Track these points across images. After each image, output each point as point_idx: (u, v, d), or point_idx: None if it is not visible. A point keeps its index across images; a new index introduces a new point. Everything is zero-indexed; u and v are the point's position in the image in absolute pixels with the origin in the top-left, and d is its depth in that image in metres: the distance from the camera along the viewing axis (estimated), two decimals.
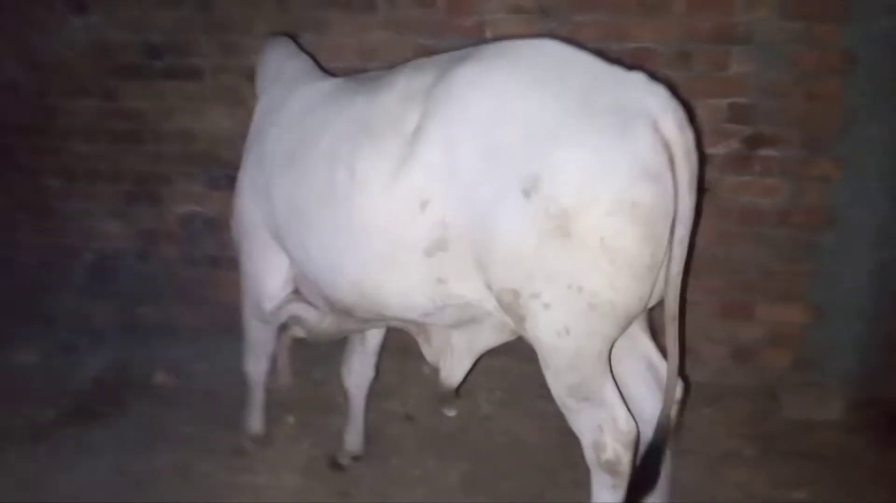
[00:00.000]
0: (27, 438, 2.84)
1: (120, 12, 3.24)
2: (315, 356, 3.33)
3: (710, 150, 2.89)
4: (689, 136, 1.71)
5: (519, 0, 2.92)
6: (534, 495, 2.56)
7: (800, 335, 3.02)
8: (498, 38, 2.57)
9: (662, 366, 2.10)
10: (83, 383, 3.21)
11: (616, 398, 1.90)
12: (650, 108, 1.69)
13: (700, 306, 3.08)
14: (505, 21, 2.95)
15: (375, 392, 3.16)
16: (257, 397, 2.80)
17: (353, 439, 2.78)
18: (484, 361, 3.17)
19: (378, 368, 2.85)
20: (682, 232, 1.73)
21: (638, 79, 1.76)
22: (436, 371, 3.12)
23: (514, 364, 3.03)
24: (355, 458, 2.75)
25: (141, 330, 3.64)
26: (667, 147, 1.67)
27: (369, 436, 2.84)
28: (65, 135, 3.43)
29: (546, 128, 1.71)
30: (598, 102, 1.71)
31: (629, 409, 1.92)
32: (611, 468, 1.91)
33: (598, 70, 1.80)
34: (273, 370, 2.94)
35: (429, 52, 2.71)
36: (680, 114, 1.71)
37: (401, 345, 3.35)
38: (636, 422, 1.92)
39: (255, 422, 2.81)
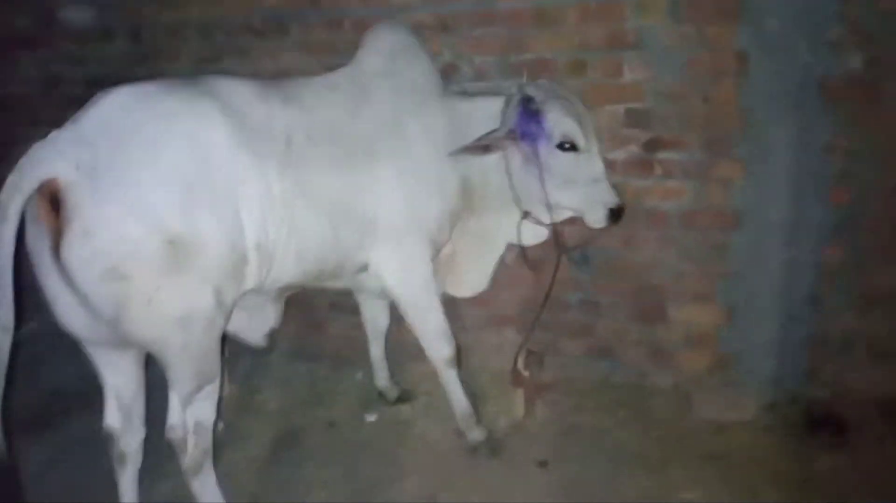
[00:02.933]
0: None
1: (62, 47, 3.46)
2: (257, 365, 3.50)
3: (610, 155, 2.91)
4: None
5: (421, 17, 3.01)
6: (428, 495, 2.64)
7: (714, 336, 3.01)
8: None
9: None
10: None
11: None
12: None
13: (613, 309, 3.11)
14: None
15: (304, 399, 3.33)
16: None
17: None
18: (416, 366, 3.33)
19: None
20: None
21: None
22: (368, 377, 3.29)
23: None
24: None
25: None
26: None
27: (288, 442, 2.98)
28: None
29: None
30: None
31: None
32: None
33: None
34: None
35: None
36: None
37: (335, 352, 3.51)
38: None
39: None
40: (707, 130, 2.83)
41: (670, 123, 2.86)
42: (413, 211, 2.60)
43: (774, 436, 2.83)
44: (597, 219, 2.68)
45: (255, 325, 2.68)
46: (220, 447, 2.95)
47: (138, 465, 2.41)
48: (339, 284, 2.77)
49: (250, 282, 2.26)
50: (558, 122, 2.56)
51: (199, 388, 2.21)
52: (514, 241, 2.83)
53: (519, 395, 3.08)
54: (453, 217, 2.78)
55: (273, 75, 3.20)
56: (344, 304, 3.38)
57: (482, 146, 2.60)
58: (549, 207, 2.66)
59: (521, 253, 2.85)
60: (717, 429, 2.90)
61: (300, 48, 3.18)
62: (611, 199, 2.65)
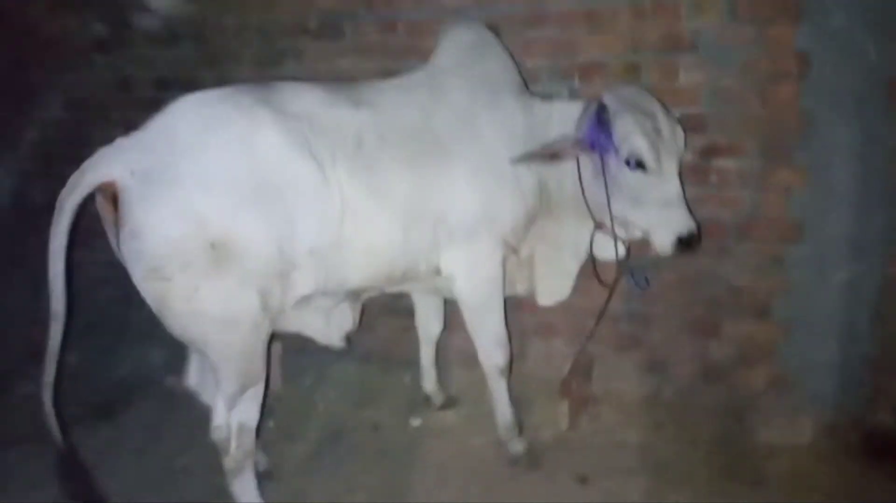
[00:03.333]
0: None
1: (133, 51, 3.61)
2: (309, 363, 3.55)
3: None
4: None
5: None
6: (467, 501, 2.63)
7: (771, 354, 2.87)
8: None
9: None
10: (106, 384, 3.59)
11: None
12: None
13: (665, 322, 3.00)
14: None
15: (352, 400, 3.35)
16: None
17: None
18: (462, 373, 3.32)
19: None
20: None
21: None
22: (415, 380, 3.29)
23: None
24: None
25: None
26: None
27: (333, 442, 3.03)
28: None
29: None
30: None
31: None
32: None
33: None
34: None
35: (393, 73, 2.82)
36: None
37: (384, 354, 3.52)
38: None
39: None
40: (766, 136, 2.70)
41: (727, 128, 2.74)
42: (486, 208, 2.52)
43: (832, 462, 2.68)
44: (663, 245, 2.44)
45: (332, 327, 2.65)
46: (268, 445, 3.03)
47: None
48: (417, 287, 2.78)
49: (306, 286, 2.29)
50: (627, 136, 2.35)
51: (243, 390, 2.27)
52: (587, 251, 2.71)
53: (564, 407, 3.01)
54: (529, 218, 2.66)
55: (329, 78, 3.28)
56: (395, 306, 3.39)
57: (549, 153, 2.48)
58: (614, 223, 2.50)
59: (592, 265, 2.71)
60: (770, 451, 2.77)
61: (354, 51, 3.19)
62: (682, 227, 2.39)
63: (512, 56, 2.76)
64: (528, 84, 2.83)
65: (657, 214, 2.42)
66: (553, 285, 2.83)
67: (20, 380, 3.41)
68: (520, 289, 2.87)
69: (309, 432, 3.13)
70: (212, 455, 2.40)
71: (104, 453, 2.92)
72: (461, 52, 2.67)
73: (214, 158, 2.08)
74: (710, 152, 2.77)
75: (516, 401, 3.03)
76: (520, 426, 2.87)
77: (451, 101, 2.55)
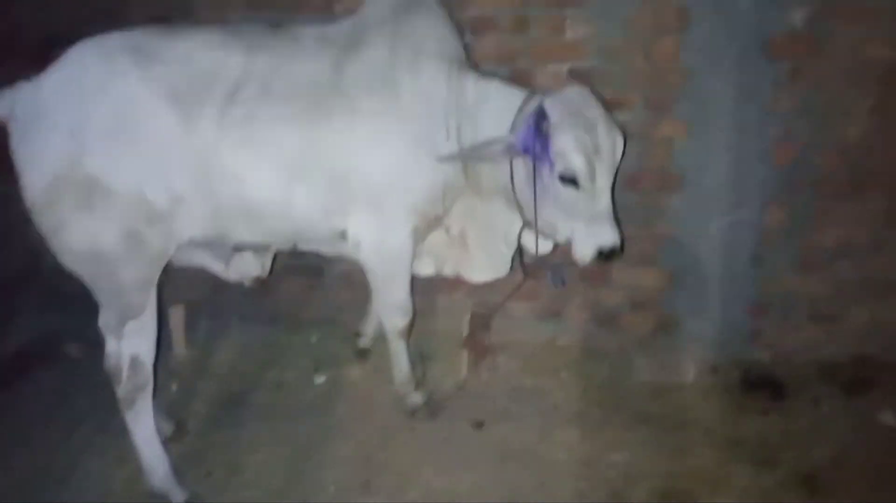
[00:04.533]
0: None
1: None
2: (212, 326, 3.53)
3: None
4: None
5: None
6: (364, 456, 2.69)
7: (657, 299, 3.01)
8: (347, 13, 2.65)
9: None
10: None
11: None
12: None
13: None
14: None
15: (258, 361, 3.35)
16: None
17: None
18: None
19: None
20: None
21: None
22: (322, 339, 3.31)
23: None
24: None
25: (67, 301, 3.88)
26: None
27: (235, 402, 3.04)
28: None
29: None
30: None
31: None
32: None
33: None
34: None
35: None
36: None
37: (291, 315, 3.53)
38: None
39: None
40: (649, 89, 2.78)
41: (613, 82, 2.79)
42: (394, 174, 2.42)
43: (711, 399, 2.86)
44: (583, 255, 2.34)
45: (232, 271, 2.73)
46: (171, 406, 3.02)
47: None
48: (323, 249, 2.71)
49: (186, 232, 2.35)
50: (564, 153, 2.22)
51: (120, 321, 2.34)
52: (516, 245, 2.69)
53: (464, 357, 3.10)
54: (449, 191, 2.55)
55: None
56: (298, 266, 3.38)
57: (479, 156, 2.38)
58: (539, 225, 2.43)
59: (519, 256, 2.70)
60: (655, 391, 2.92)
61: (245, 5, 3.10)
62: (605, 241, 2.31)
63: (452, 18, 2.62)
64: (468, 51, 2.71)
65: (583, 227, 2.33)
66: (485, 263, 2.77)
67: None
68: (447, 269, 2.85)
69: (212, 394, 3.12)
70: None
71: None
72: (391, 6, 2.52)
73: (81, 104, 2.19)
74: None
75: (421, 354, 3.12)
76: (418, 379, 2.93)
77: (367, 56, 2.42)
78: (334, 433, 2.82)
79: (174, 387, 3.19)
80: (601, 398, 2.91)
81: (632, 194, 2.90)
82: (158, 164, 2.23)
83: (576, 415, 2.83)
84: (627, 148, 2.75)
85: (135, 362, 2.37)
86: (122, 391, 2.38)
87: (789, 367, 2.90)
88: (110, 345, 2.37)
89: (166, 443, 2.71)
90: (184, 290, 3.33)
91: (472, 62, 2.66)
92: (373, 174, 2.41)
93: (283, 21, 2.61)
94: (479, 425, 2.80)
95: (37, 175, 2.18)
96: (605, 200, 2.30)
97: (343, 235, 2.53)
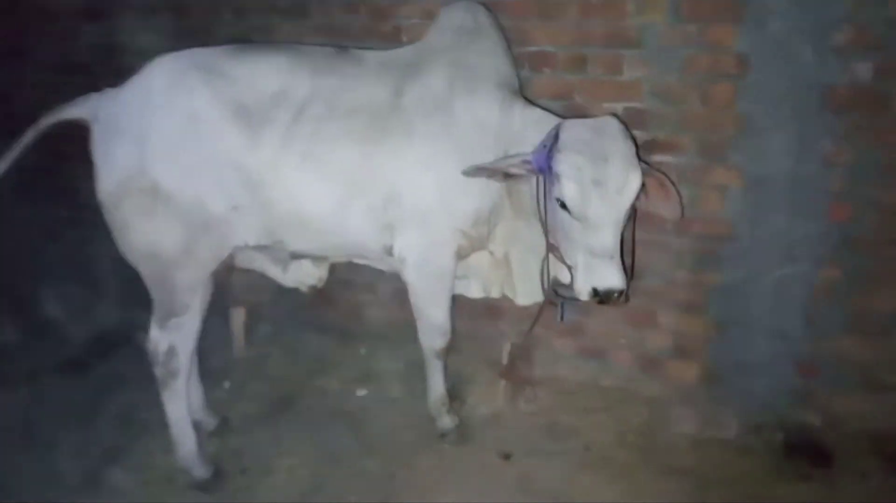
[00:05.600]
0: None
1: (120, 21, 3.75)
2: (270, 331, 3.72)
3: None
4: None
5: (430, 6, 3.02)
6: (387, 472, 2.76)
7: (702, 349, 2.92)
8: (413, 41, 2.82)
9: None
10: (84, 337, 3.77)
11: None
12: None
13: (605, 310, 3.04)
14: (419, 25, 3.06)
15: (308, 368, 3.49)
16: None
17: None
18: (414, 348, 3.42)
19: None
20: None
21: None
22: (370, 353, 3.41)
23: None
24: None
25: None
26: None
27: (278, 406, 3.18)
28: None
29: None
30: None
31: None
32: None
33: None
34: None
35: None
36: None
37: (342, 327, 3.66)
38: None
39: None
40: (704, 134, 2.72)
41: (667, 125, 2.76)
42: (444, 197, 2.48)
43: (751, 459, 2.74)
44: (580, 289, 2.28)
45: (288, 278, 2.88)
46: (220, 402, 3.20)
47: None
48: (377, 265, 2.80)
49: (242, 239, 2.53)
50: (559, 175, 2.20)
51: (166, 316, 2.56)
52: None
53: (501, 387, 3.11)
54: (494, 215, 2.60)
55: None
56: (354, 281, 3.51)
57: (500, 170, 2.36)
58: (550, 246, 2.40)
59: (543, 280, 2.55)
60: (693, 444, 2.83)
61: (318, 30, 3.27)
62: (602, 281, 2.21)
63: (508, 45, 2.70)
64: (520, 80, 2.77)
65: (583, 258, 2.26)
66: (530, 287, 2.72)
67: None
68: (494, 291, 2.86)
69: (260, 394, 3.29)
70: None
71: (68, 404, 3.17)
72: (452, 33, 2.64)
73: (149, 115, 2.39)
74: (649, 148, 2.80)
75: (460, 378, 3.16)
76: (452, 402, 2.97)
77: (427, 82, 2.52)
78: (365, 446, 2.91)
79: (227, 384, 3.38)
80: (635, 444, 2.85)
81: (682, 239, 2.84)
82: (218, 176, 2.41)
83: (606, 458, 2.78)
84: (680, 191, 2.73)
85: (171, 351, 2.59)
86: (158, 371, 2.63)
87: (837, 434, 2.73)
88: (153, 332, 2.60)
89: (209, 435, 2.92)
90: (246, 293, 3.54)
91: (522, 92, 2.73)
92: (423, 195, 2.50)
93: (349, 46, 2.75)
94: (506, 457, 2.81)
95: (107, 177, 2.41)
96: (604, 237, 2.21)
97: (390, 251, 2.61)
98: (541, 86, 2.93)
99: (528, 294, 2.77)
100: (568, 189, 2.19)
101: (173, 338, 2.58)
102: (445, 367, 2.92)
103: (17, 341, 3.65)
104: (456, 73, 2.54)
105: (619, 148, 2.21)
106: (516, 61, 2.85)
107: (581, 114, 2.83)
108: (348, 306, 3.58)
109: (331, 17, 3.25)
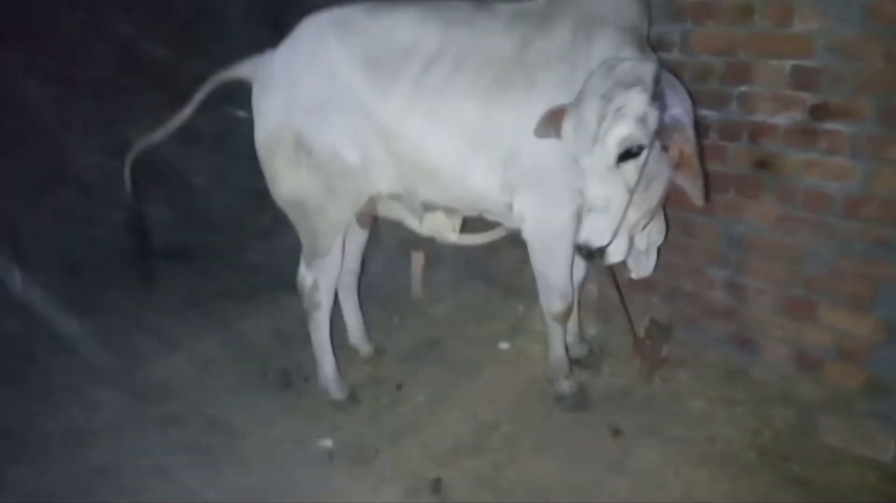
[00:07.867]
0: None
1: None
2: (444, 277, 3.91)
3: (769, 120, 2.52)
4: None
5: None
6: (493, 423, 2.79)
7: (867, 353, 2.47)
8: None
9: None
10: None
11: None
12: None
13: (760, 295, 2.73)
14: None
15: (466, 316, 3.62)
16: None
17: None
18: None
19: None
20: None
21: None
22: (528, 311, 3.46)
23: None
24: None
25: None
26: None
27: (425, 346, 3.38)
28: None
29: None
30: None
31: None
32: None
33: None
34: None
35: None
36: None
37: (506, 281, 3.71)
38: None
39: None
40: (886, 98, 2.26)
41: (842, 86, 2.35)
42: (561, 153, 2.37)
43: None
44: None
45: (424, 227, 2.97)
46: (384, 336, 3.47)
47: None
48: (502, 220, 2.83)
49: (378, 187, 2.71)
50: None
51: (311, 256, 2.83)
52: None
53: (637, 363, 2.95)
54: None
55: None
56: (517, 238, 3.53)
57: None
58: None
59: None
60: (835, 459, 2.46)
61: None
62: (581, 236, 2.28)
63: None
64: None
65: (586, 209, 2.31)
66: (644, 258, 2.70)
67: None
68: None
69: (418, 332, 3.51)
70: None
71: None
72: None
73: (294, 72, 2.61)
74: (820, 112, 2.40)
75: (605, 348, 3.12)
76: (583, 370, 2.95)
77: (553, 32, 2.48)
78: (480, 397, 2.96)
79: (395, 320, 3.65)
80: (768, 447, 2.54)
81: (850, 221, 2.42)
82: (353, 127, 2.59)
83: (728, 455, 2.53)
84: (853, 165, 2.35)
85: (314, 287, 2.85)
86: (305, 302, 2.91)
87: None
88: (301, 269, 2.88)
89: (363, 362, 3.26)
90: (427, 240, 3.75)
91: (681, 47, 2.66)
92: (541, 153, 2.45)
93: None
94: (616, 432, 2.68)
95: (261, 131, 2.68)
96: (590, 188, 2.24)
97: (510, 208, 2.62)
98: (702, 40, 2.66)
99: (640, 266, 2.72)
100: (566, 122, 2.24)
101: (317, 276, 2.84)
102: (565, 331, 2.87)
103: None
104: (580, 20, 2.46)
105: (629, 82, 2.14)
106: (677, 13, 2.64)
107: (745, 72, 2.56)
108: (513, 262, 3.61)
109: None
